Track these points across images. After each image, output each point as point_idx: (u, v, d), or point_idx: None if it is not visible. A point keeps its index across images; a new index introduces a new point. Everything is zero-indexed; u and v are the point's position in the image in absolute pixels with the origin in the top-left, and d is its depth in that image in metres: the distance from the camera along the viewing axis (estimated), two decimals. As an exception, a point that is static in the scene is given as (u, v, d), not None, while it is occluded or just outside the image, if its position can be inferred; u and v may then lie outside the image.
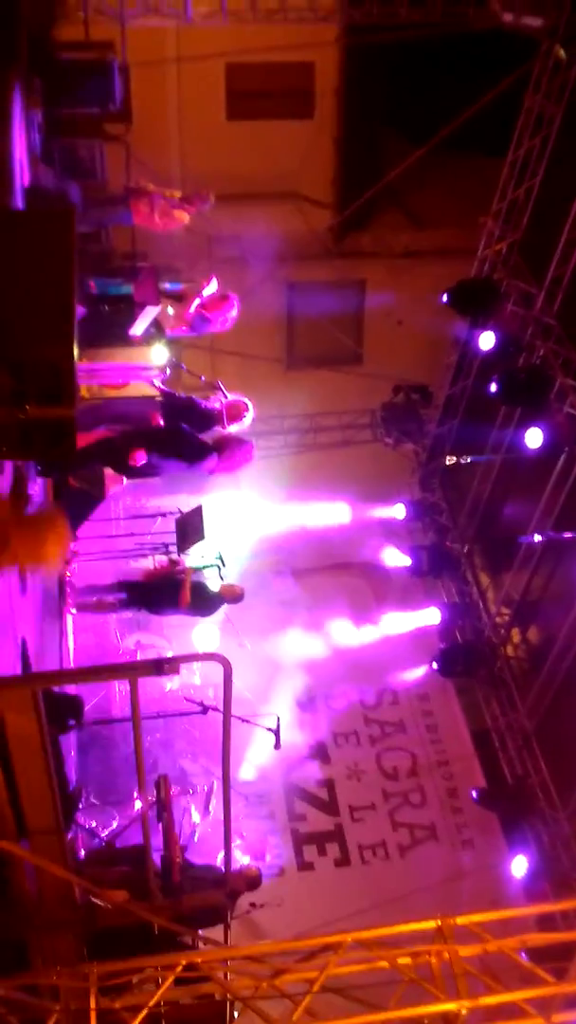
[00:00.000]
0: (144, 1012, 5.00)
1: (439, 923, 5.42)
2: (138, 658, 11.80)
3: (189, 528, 10.23)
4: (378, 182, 13.42)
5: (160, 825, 7.68)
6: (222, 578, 10.08)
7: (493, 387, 11.29)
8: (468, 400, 13.48)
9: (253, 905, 8.59)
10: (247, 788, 11.42)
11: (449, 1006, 5.14)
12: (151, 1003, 5.09)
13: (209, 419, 9.65)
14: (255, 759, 11.03)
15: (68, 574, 10.73)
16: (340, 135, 13.37)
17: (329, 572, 14.04)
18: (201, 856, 9.01)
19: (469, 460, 13.99)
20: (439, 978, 5.28)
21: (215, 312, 10.13)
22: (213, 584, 9.93)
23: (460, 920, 5.45)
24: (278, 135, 13.35)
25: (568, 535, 11.26)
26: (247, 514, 13.02)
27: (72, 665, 10.55)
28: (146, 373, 9.77)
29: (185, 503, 11.10)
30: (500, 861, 11.29)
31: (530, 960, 5.46)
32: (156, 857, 7.19)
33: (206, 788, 10.75)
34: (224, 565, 10.42)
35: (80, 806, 9.61)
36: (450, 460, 14.31)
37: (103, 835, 9.46)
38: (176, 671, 5.27)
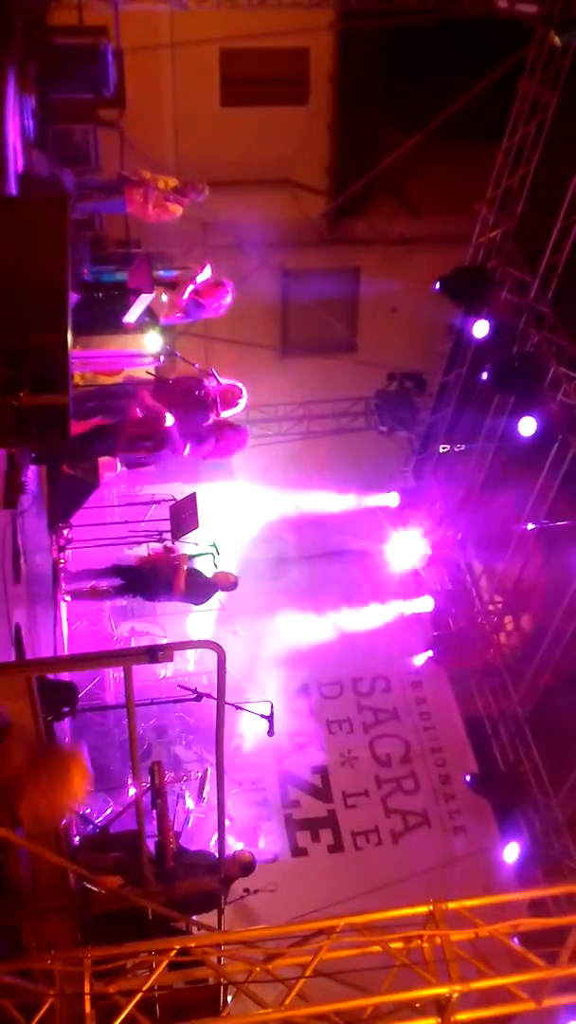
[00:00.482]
0: (138, 996, 5.02)
1: (431, 908, 5.46)
2: (132, 645, 11.81)
3: (183, 516, 10.23)
4: (373, 169, 13.39)
5: (154, 811, 7.71)
6: (216, 566, 10.10)
7: (484, 376, 11.31)
8: (462, 388, 13.47)
9: (246, 891, 8.61)
10: (241, 774, 11.45)
11: (441, 990, 5.19)
12: (145, 987, 5.12)
13: (203, 405, 9.64)
14: (249, 746, 11.05)
15: (62, 561, 10.73)
16: (335, 121, 13.34)
17: (323, 560, 14.05)
18: (195, 842, 9.06)
19: (463, 448, 14.00)
20: (431, 962, 5.32)
21: (209, 298, 10.11)
22: (207, 571, 9.95)
23: (452, 905, 5.49)
24: (272, 121, 13.32)
25: (561, 523, 11.29)
26: (241, 502, 13.02)
27: (66, 652, 10.56)
28: (140, 360, 9.76)
29: (179, 491, 11.10)
30: (492, 847, 11.35)
31: (522, 945, 5.49)
32: (150, 843, 7.22)
33: (200, 774, 10.76)
34: (219, 553, 10.43)
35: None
36: (444, 448, 14.32)
37: (97, 821, 9.48)
38: (170, 658, 5.28)
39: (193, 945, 5.47)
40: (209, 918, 7.04)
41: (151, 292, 9.48)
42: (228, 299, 10.19)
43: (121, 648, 11.31)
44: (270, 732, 9.09)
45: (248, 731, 10.24)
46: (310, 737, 12.24)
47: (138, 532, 11.43)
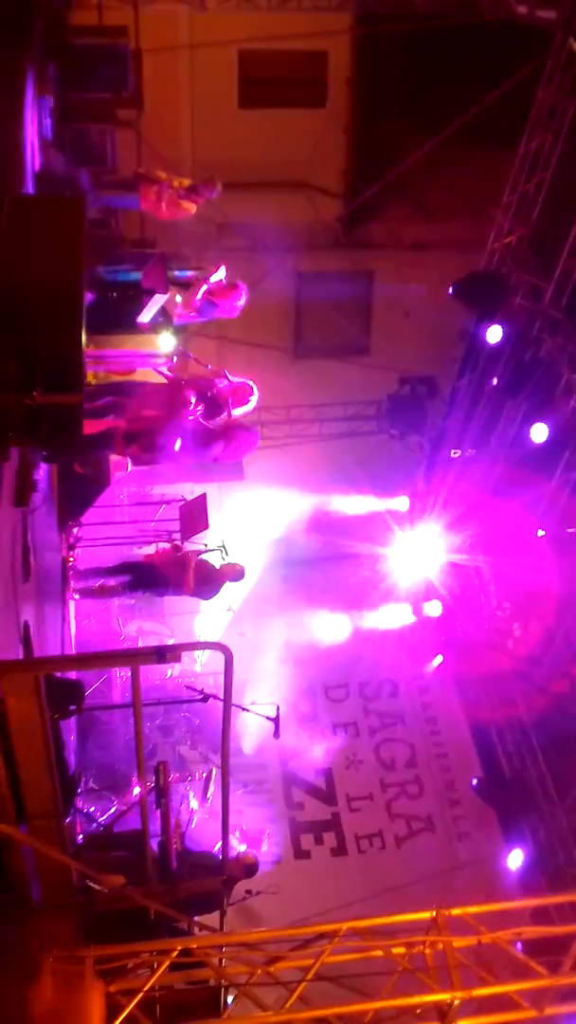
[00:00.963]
0: (139, 996, 5.03)
1: (434, 914, 5.47)
2: (139, 644, 11.82)
3: (193, 516, 10.25)
4: (388, 173, 13.38)
5: (158, 811, 7.71)
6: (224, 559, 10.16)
7: (495, 381, 11.31)
8: (474, 393, 13.44)
9: (249, 892, 8.62)
10: (246, 776, 11.46)
11: (442, 996, 5.19)
12: (146, 987, 5.13)
13: (215, 404, 9.66)
14: (254, 747, 11.06)
15: (72, 559, 10.76)
16: (351, 125, 13.34)
17: (332, 563, 14.04)
18: (198, 843, 9.06)
19: (474, 453, 13.97)
20: (433, 968, 5.32)
21: (223, 299, 10.13)
22: (215, 564, 10.00)
23: (455, 911, 5.50)
24: (289, 124, 13.32)
25: (571, 530, 11.26)
26: (251, 503, 13.03)
27: (74, 650, 10.58)
28: (153, 360, 9.78)
29: (189, 491, 11.11)
30: (496, 854, 11.33)
31: (524, 953, 5.48)
32: (154, 843, 7.22)
33: (204, 775, 10.78)
34: (227, 554, 10.46)
35: (79, 791, 9.64)
36: (455, 453, 14.29)
37: (101, 820, 9.49)
38: (178, 659, 5.30)
39: (195, 946, 5.48)
40: (211, 919, 7.05)
41: (165, 292, 9.49)
42: (242, 301, 10.20)
43: (129, 648, 11.33)
44: (276, 734, 9.09)
45: (254, 733, 10.24)
46: (315, 740, 12.24)
47: (147, 532, 11.45)
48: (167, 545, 10.77)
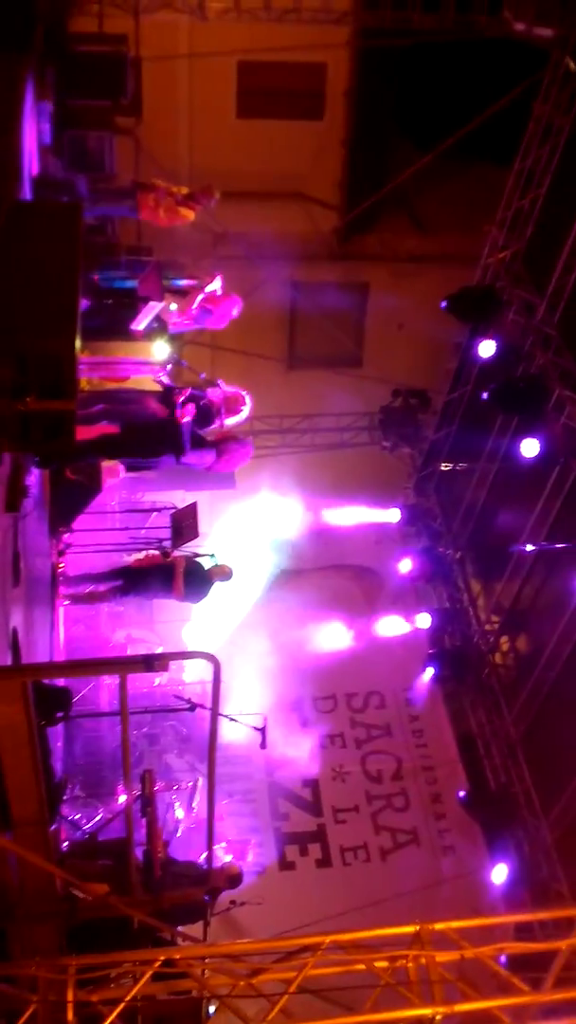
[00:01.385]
0: (121, 1006, 5.01)
1: (418, 928, 5.45)
2: (128, 652, 11.81)
3: (184, 525, 10.24)
4: (385, 186, 13.45)
5: (144, 820, 7.70)
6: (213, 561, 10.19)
7: (485, 395, 11.36)
8: (466, 407, 13.49)
9: (233, 903, 8.60)
10: (231, 786, 11.43)
11: (424, 1011, 5.17)
12: (128, 997, 5.11)
13: (208, 413, 9.67)
14: (240, 758, 11.03)
15: (61, 565, 10.74)
16: (349, 137, 13.39)
17: (321, 574, 14.06)
18: (183, 852, 9.03)
19: (465, 467, 14.01)
20: (415, 983, 5.31)
21: (217, 306, 10.15)
22: (204, 565, 10.04)
23: (439, 926, 5.49)
24: (287, 135, 13.36)
25: (560, 545, 11.29)
26: (242, 513, 13.03)
27: (62, 656, 10.56)
28: (147, 368, 9.79)
29: (181, 499, 11.11)
30: (480, 868, 11.32)
31: (507, 968, 5.48)
32: (139, 851, 7.21)
33: (191, 784, 10.76)
34: (218, 568, 10.44)
35: (65, 798, 9.62)
36: (446, 466, 14.34)
37: (86, 827, 9.47)
38: (166, 668, 5.30)
39: (178, 956, 5.46)
40: (194, 929, 7.03)
41: (161, 300, 9.52)
42: (235, 311, 10.23)
43: (118, 656, 11.31)
44: (263, 745, 9.09)
45: (240, 743, 10.23)
46: (302, 751, 12.23)
47: (138, 539, 11.44)
48: (156, 552, 10.77)
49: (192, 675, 11.66)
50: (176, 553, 10.32)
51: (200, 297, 10.05)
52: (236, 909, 8.61)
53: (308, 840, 11.84)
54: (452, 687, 13.05)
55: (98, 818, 10.03)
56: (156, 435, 9.49)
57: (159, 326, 9.77)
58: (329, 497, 13.72)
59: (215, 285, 10.12)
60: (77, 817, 9.97)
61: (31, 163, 9.44)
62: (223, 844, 10.32)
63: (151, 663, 5.19)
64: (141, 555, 10.92)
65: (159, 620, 12.43)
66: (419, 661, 13.24)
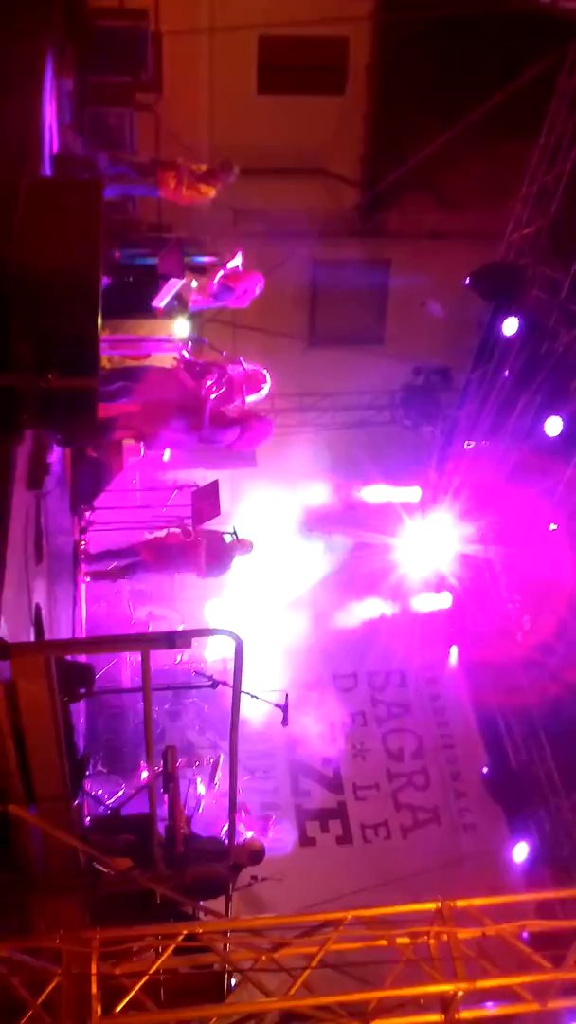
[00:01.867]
0: (144, 979, 5.05)
1: (440, 905, 5.46)
2: (149, 629, 11.85)
3: (204, 503, 10.26)
4: (407, 161, 13.30)
5: (166, 795, 7.74)
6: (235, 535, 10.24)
7: (506, 373, 11.29)
8: (488, 385, 13.40)
9: (254, 878, 8.63)
10: (253, 763, 11.48)
11: (446, 987, 5.19)
12: (151, 970, 5.15)
13: (229, 390, 9.65)
14: (262, 735, 11.07)
15: (83, 543, 10.78)
16: (371, 112, 13.25)
17: (344, 552, 14.01)
18: (205, 828, 9.08)
19: (487, 444, 13.93)
20: (437, 959, 5.32)
21: (238, 284, 10.11)
22: (226, 539, 10.08)
23: (461, 903, 5.49)
24: (308, 110, 13.24)
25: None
26: (263, 491, 13.01)
27: (84, 633, 10.61)
28: (168, 345, 9.77)
29: (202, 477, 11.11)
30: (501, 846, 11.34)
31: (529, 946, 5.48)
32: (160, 827, 7.25)
33: (212, 761, 10.80)
34: (239, 541, 10.46)
35: (88, 773, 9.68)
36: (468, 444, 14.25)
37: (109, 803, 9.52)
38: (188, 645, 5.31)
39: (200, 931, 5.50)
40: (216, 904, 7.07)
41: (182, 277, 9.49)
42: (257, 289, 10.18)
43: (140, 633, 11.35)
44: (284, 722, 9.11)
45: (262, 720, 10.26)
46: (323, 728, 12.25)
47: (159, 517, 11.46)
48: (177, 530, 10.80)
49: (214, 653, 11.69)
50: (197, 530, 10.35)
51: (221, 274, 10.01)
52: (257, 884, 8.65)
53: (329, 817, 11.88)
54: (473, 666, 13.03)
55: (120, 794, 10.09)
56: (177, 413, 9.49)
57: (180, 304, 9.74)
58: (350, 475, 13.67)
59: (236, 262, 10.08)
60: (100, 793, 10.03)
61: (51, 140, 9.41)
62: (243, 814, 10.35)
63: (174, 640, 5.20)
64: (163, 533, 10.95)
65: (181, 597, 12.46)
66: (441, 640, 13.23)
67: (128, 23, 10.94)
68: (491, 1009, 5.36)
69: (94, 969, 5.04)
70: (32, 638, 6.99)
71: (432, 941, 5.38)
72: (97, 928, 5.34)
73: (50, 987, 4.99)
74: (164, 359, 9.81)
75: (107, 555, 10.76)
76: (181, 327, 9.66)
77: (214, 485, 10.41)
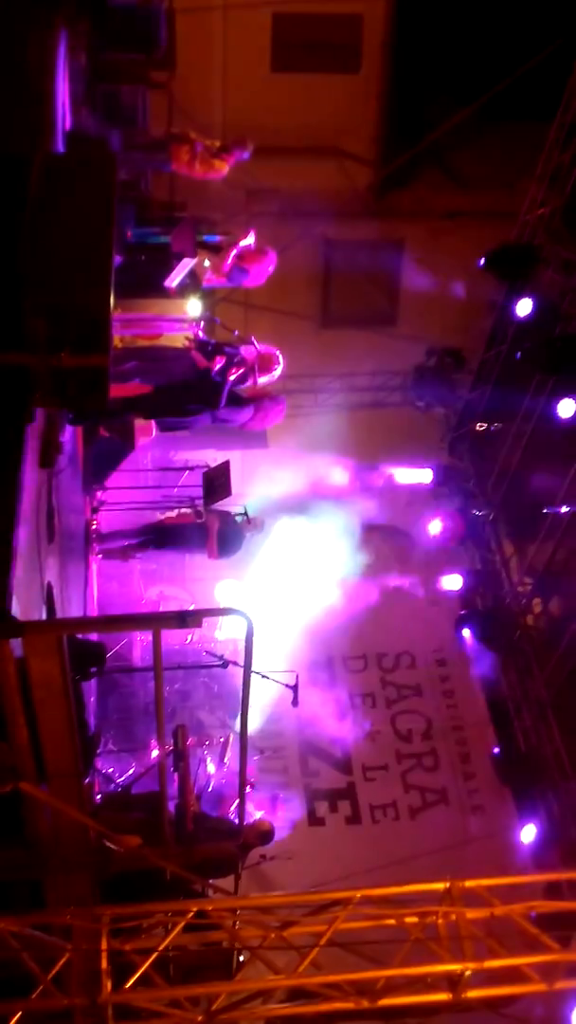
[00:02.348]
0: (154, 956, 5.08)
1: (448, 885, 5.48)
2: (160, 609, 11.87)
3: (216, 483, 10.26)
4: (422, 141, 13.22)
5: (176, 774, 7.77)
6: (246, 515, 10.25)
7: (518, 355, 11.24)
8: (502, 367, 13.35)
9: (263, 857, 8.68)
10: (262, 742, 11.51)
11: (454, 967, 5.21)
12: (161, 947, 5.18)
13: (242, 370, 9.63)
14: (272, 714, 11.10)
15: (95, 523, 10.80)
16: (385, 91, 13.15)
17: (353, 533, 14.00)
18: (215, 807, 9.12)
19: (499, 427, 13.89)
20: (445, 939, 5.34)
21: (252, 264, 10.08)
22: (237, 519, 10.10)
23: (469, 883, 5.51)
24: (322, 88, 13.16)
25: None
26: (274, 472, 13.00)
27: (95, 612, 10.64)
28: (180, 325, 9.75)
29: (213, 458, 11.10)
30: (509, 828, 11.36)
31: (536, 927, 5.50)
32: (171, 805, 7.28)
33: (222, 740, 10.84)
34: (250, 521, 10.48)
35: (99, 752, 9.73)
36: (480, 426, 14.21)
37: (120, 781, 9.57)
38: (199, 624, 5.31)
39: (210, 908, 5.53)
40: (225, 882, 7.10)
41: (194, 256, 9.46)
42: (271, 267, 10.14)
43: (152, 612, 11.38)
44: (294, 702, 9.14)
45: (272, 700, 10.29)
46: (332, 709, 12.28)
47: (171, 497, 11.47)
48: (189, 511, 10.81)
49: (224, 632, 11.71)
50: (209, 512, 10.36)
51: (234, 253, 9.98)
52: (266, 863, 8.70)
53: (338, 797, 11.90)
54: (483, 648, 13.03)
55: (131, 772, 10.13)
56: (190, 393, 9.48)
57: (192, 283, 9.71)
58: (361, 456, 13.65)
59: (249, 241, 10.04)
60: (110, 771, 10.08)
61: (64, 117, 9.36)
62: (250, 789, 10.39)
63: (185, 619, 5.20)
64: (174, 513, 10.97)
65: (192, 578, 12.47)
66: (450, 622, 13.23)
67: (141, 0, 10.85)
68: (499, 989, 5.39)
69: (104, 945, 5.08)
70: (43, 617, 7.01)
71: (440, 921, 5.39)
72: (107, 905, 5.37)
73: (61, 962, 5.03)
74: (176, 339, 9.78)
75: (118, 535, 10.78)
76: (194, 307, 9.63)
77: (225, 465, 10.40)
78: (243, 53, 12.89)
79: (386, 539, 14.17)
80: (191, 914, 5.37)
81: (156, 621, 5.50)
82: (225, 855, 7.17)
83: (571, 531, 12.00)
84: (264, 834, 8.33)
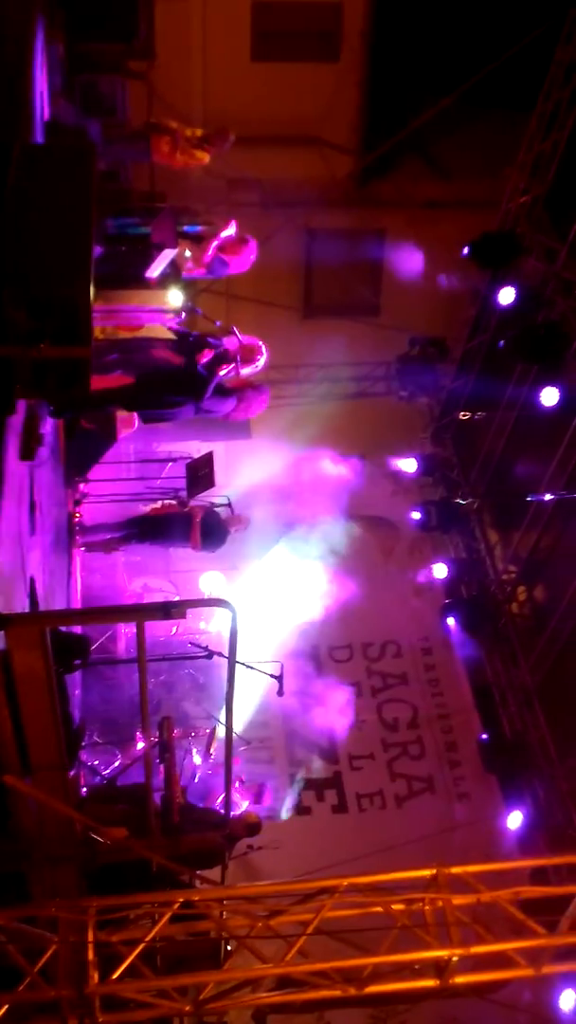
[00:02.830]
0: (141, 947, 5.08)
1: (435, 872, 5.49)
2: (145, 601, 11.85)
3: (199, 474, 10.24)
4: (403, 129, 13.19)
5: (162, 766, 7.76)
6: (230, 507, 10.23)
7: (501, 344, 11.26)
8: (485, 355, 13.36)
9: (250, 847, 8.70)
10: (248, 733, 11.51)
11: (441, 953, 5.22)
12: (148, 938, 5.17)
13: (224, 361, 9.61)
14: (257, 705, 11.11)
15: (78, 515, 10.76)
16: (366, 79, 13.11)
17: (337, 524, 14.01)
18: (201, 798, 9.13)
19: (483, 416, 13.91)
20: (432, 925, 5.35)
21: (234, 255, 10.04)
22: (221, 515, 10.07)
23: (455, 870, 5.52)
24: (303, 77, 13.10)
25: (579, 495, 11.23)
26: (258, 462, 12.99)
27: (79, 605, 10.61)
28: (161, 316, 9.71)
29: (196, 449, 11.08)
30: (495, 815, 11.42)
31: (522, 912, 5.52)
32: (157, 797, 7.28)
33: (208, 731, 10.84)
34: (233, 512, 10.46)
35: (83, 744, 9.71)
36: (464, 415, 14.23)
37: (105, 773, 9.56)
38: (183, 615, 5.30)
39: (196, 898, 5.53)
40: (212, 873, 7.11)
41: (175, 247, 9.41)
42: (253, 255, 10.11)
43: (135, 604, 11.36)
44: (280, 692, 9.14)
45: (257, 690, 10.30)
46: (318, 699, 12.30)
47: (154, 489, 11.44)
48: (173, 502, 10.79)
49: (209, 624, 11.71)
50: (193, 503, 10.34)
51: (215, 244, 9.94)
52: (253, 853, 8.71)
53: (324, 786, 11.94)
54: (468, 636, 13.07)
55: (116, 764, 10.13)
56: (173, 384, 9.45)
57: (173, 273, 9.66)
58: (345, 446, 13.64)
59: (230, 231, 10.00)
60: (96, 763, 10.07)
61: (43, 107, 9.30)
62: (238, 784, 10.40)
63: (168, 611, 5.19)
64: (158, 504, 10.95)
65: (176, 569, 12.46)
66: (435, 611, 13.26)
67: (119, -12, 10.79)
68: (486, 974, 5.41)
69: (91, 937, 5.07)
70: (27, 609, 6.98)
71: (427, 908, 5.41)
72: (94, 896, 5.36)
73: (47, 955, 5.02)
74: (157, 329, 9.74)
75: (102, 527, 10.75)
76: (175, 297, 9.59)
77: (209, 456, 10.38)
78: (223, 42, 12.82)
79: (371, 529, 14.19)
80: (178, 904, 5.37)
81: (140, 613, 5.50)
82: (211, 846, 7.18)
83: (555, 518, 12.05)
84: (251, 826, 8.35)
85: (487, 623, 12.91)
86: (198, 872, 6.66)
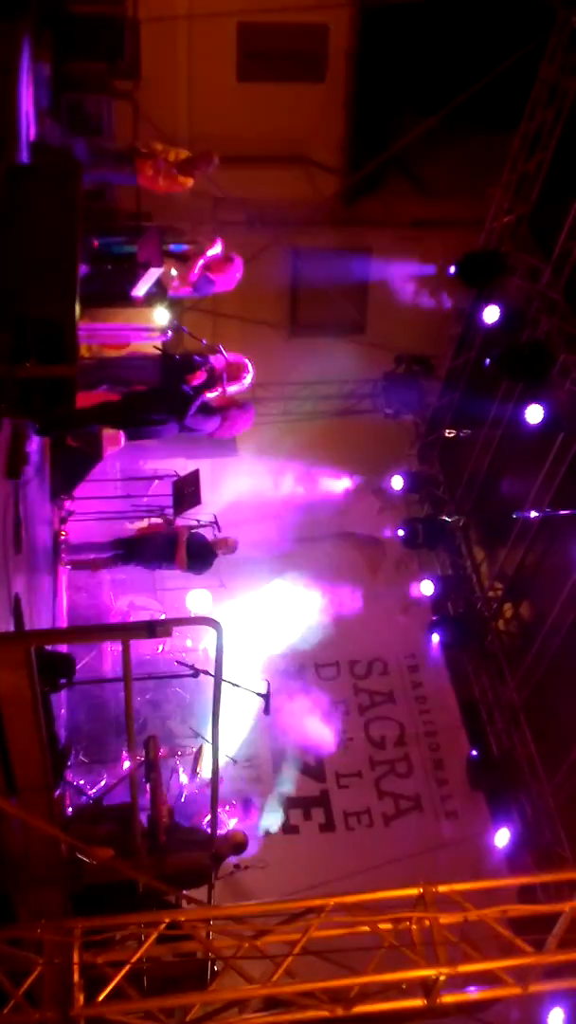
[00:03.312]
0: (126, 968, 5.05)
1: (422, 890, 5.48)
2: (131, 619, 11.82)
3: (186, 492, 10.24)
4: (388, 149, 13.28)
5: (148, 785, 7.73)
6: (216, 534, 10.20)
7: (487, 362, 11.31)
8: (470, 373, 13.42)
9: (237, 866, 8.66)
10: (235, 751, 11.49)
11: (428, 972, 5.21)
12: (134, 959, 5.14)
13: (210, 379, 9.62)
14: (244, 723, 11.08)
15: (63, 533, 10.74)
16: (351, 100, 13.20)
17: (324, 541, 14.04)
18: (187, 818, 9.08)
19: (468, 433, 13.96)
20: (419, 944, 5.34)
21: (220, 274, 10.08)
22: (207, 537, 10.04)
23: (443, 888, 5.51)
24: (288, 98, 13.18)
25: (564, 512, 11.26)
26: (244, 480, 13.01)
27: (64, 624, 10.57)
28: (147, 334, 9.73)
29: (182, 467, 11.08)
30: (483, 833, 11.39)
31: (510, 931, 5.51)
32: (143, 817, 7.25)
33: (194, 750, 10.80)
34: (220, 529, 10.46)
35: (69, 764, 9.66)
36: (449, 433, 14.28)
37: (91, 793, 9.52)
38: (169, 634, 5.29)
39: (183, 919, 5.50)
40: (199, 892, 7.07)
41: (161, 266, 9.43)
42: (238, 273, 10.15)
43: (121, 622, 11.33)
44: (266, 711, 9.12)
45: (244, 709, 10.27)
46: (305, 717, 12.28)
47: (140, 507, 11.43)
48: (159, 520, 10.77)
49: (195, 642, 11.68)
50: (179, 522, 10.33)
51: (201, 262, 9.97)
52: (240, 872, 8.67)
53: (312, 805, 11.91)
54: (455, 654, 13.08)
55: (102, 784, 10.07)
56: (158, 402, 9.46)
57: (159, 292, 9.69)
58: (331, 464, 13.68)
59: (216, 250, 10.04)
60: (81, 783, 10.01)
61: (28, 127, 9.32)
62: (227, 808, 10.36)
63: (154, 629, 5.18)
64: (144, 523, 10.93)
65: (162, 587, 12.44)
66: (422, 628, 13.26)
67: (105, 9, 10.84)
68: (473, 993, 5.39)
69: (76, 958, 5.04)
70: (11, 628, 6.96)
71: (414, 927, 5.40)
72: (79, 917, 5.33)
73: (32, 977, 4.99)
74: (143, 348, 9.76)
75: (88, 546, 10.73)
76: (161, 315, 9.61)
77: (195, 474, 10.38)
78: (209, 62, 12.89)
79: (357, 546, 14.21)
80: (164, 925, 5.34)
81: (125, 631, 5.49)
82: (198, 866, 7.15)
83: (540, 536, 12.07)
84: (237, 845, 8.31)
85: (473, 640, 12.91)
86: (184, 892, 6.62)
